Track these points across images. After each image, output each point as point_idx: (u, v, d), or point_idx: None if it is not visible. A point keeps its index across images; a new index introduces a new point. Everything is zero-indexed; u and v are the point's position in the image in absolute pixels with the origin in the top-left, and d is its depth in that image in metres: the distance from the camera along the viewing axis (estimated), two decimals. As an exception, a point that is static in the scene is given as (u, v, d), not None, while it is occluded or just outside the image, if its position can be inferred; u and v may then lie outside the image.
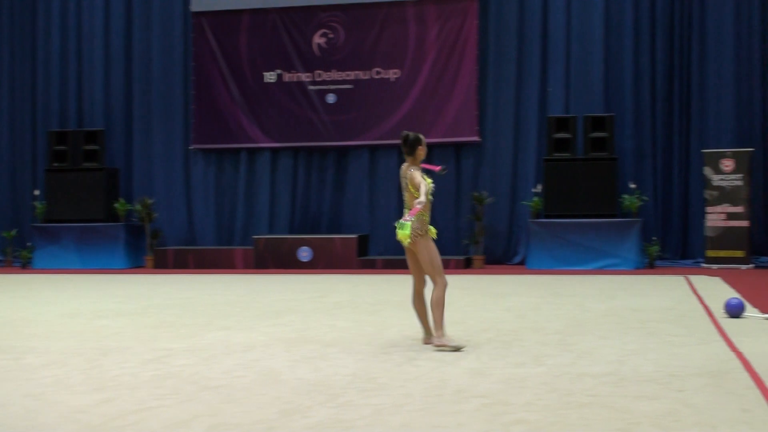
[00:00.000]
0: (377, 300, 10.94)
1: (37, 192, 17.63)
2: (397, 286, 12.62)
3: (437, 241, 7.38)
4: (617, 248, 14.98)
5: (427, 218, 7.29)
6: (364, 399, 5.39)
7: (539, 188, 15.75)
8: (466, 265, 15.60)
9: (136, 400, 5.43)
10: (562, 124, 15.53)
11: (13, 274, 15.87)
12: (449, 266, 15.42)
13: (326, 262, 15.87)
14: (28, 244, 17.26)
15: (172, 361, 6.77)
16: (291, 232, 17.09)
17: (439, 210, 16.68)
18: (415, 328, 8.43)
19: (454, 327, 8.43)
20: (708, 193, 15.12)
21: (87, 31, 17.93)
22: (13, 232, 17.40)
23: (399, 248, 16.63)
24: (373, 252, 16.68)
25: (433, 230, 7.36)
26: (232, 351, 7.19)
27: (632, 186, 15.41)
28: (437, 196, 16.57)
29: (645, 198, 15.40)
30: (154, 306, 10.55)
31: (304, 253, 15.80)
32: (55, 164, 17.10)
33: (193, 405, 5.30)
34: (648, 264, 15.14)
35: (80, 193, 16.92)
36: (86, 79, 17.93)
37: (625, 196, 15.25)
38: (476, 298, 11.05)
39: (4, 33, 18.18)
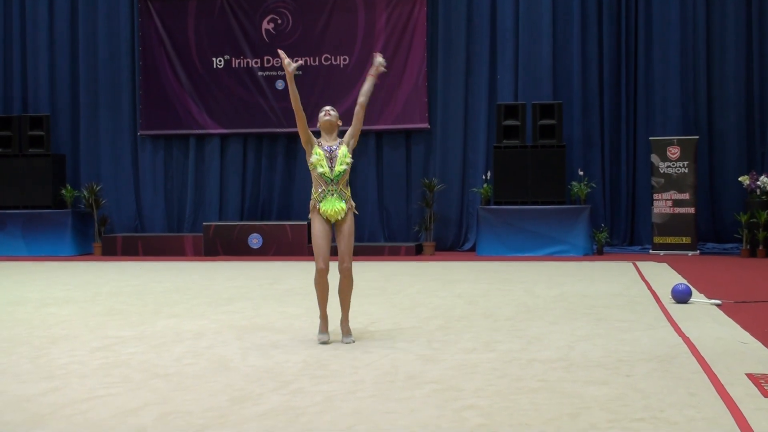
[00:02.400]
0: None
1: (-19, 178, 17.34)
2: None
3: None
4: (566, 235, 15.11)
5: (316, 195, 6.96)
6: (316, 386, 5.38)
7: (489, 175, 15.82)
8: (417, 252, 15.64)
9: (85, 389, 5.37)
10: (511, 111, 15.60)
11: (-43, 262, 15.62)
12: (400, 253, 15.46)
13: (277, 248, 15.82)
14: (-27, 231, 16.99)
15: (122, 349, 6.71)
16: (241, 219, 17.01)
17: (389, 197, 16.73)
18: (367, 315, 8.44)
19: (405, 313, 8.46)
20: (655, 180, 15.30)
21: (30, 15, 17.65)
22: (-43, 219, 17.12)
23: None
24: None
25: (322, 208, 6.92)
26: (182, 339, 7.14)
27: (580, 173, 15.55)
28: (387, 182, 16.67)
29: (593, 185, 15.54)
30: (102, 293, 10.45)
31: (255, 240, 15.74)
32: (0, 150, 16.83)
33: (143, 393, 5.26)
34: (596, 250, 15.29)
35: (26, 179, 16.68)
36: (31, 64, 17.66)
37: (574, 183, 15.38)
38: (427, 284, 11.08)
39: (-54, 16, 17.86)
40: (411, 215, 16.56)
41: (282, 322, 8.05)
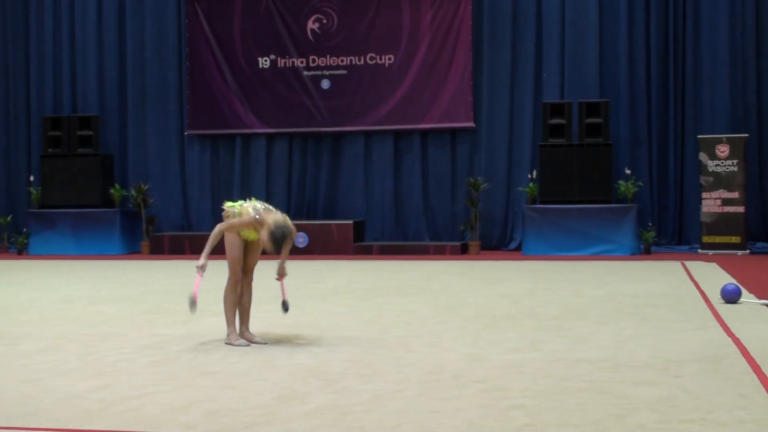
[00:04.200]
0: (373, 286, 10.94)
1: (32, 178, 17.58)
2: (393, 272, 12.64)
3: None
4: (613, 234, 15.00)
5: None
6: (362, 385, 5.39)
7: (534, 174, 15.75)
8: (462, 251, 15.60)
9: (133, 386, 5.43)
10: (557, 109, 15.51)
11: (9, 260, 15.84)
12: (445, 252, 15.44)
13: (322, 247, 15.86)
14: (24, 230, 17.23)
15: (169, 347, 6.78)
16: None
17: (434, 196, 16.71)
18: (412, 314, 8.44)
19: (450, 313, 8.45)
20: (703, 179, 15.13)
21: (80, 17, 17.84)
22: (9, 218, 17.37)
23: (395, 234, 16.72)
24: (369, 238, 16.68)
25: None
26: (229, 337, 7.18)
27: (627, 172, 15.42)
28: (432, 181, 16.64)
29: (640, 184, 15.40)
30: (150, 292, 10.55)
31: (300, 239, 15.78)
32: (50, 150, 17.05)
33: (191, 391, 5.30)
34: (644, 250, 15.15)
35: (75, 178, 16.88)
36: (80, 65, 17.86)
37: (621, 182, 15.25)
38: (472, 283, 11.06)
39: (-3, 18, 18.12)
40: (456, 214, 16.51)
41: (327, 320, 8.07)
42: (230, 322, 6.94)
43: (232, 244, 7.08)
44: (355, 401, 4.98)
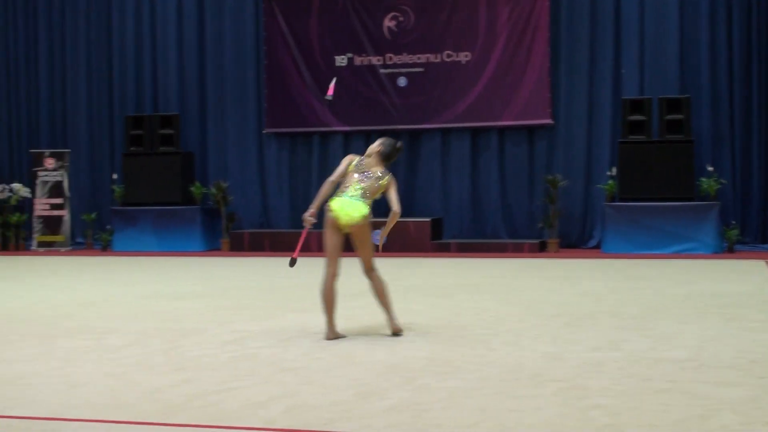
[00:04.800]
0: (451, 283, 10.94)
1: (115, 176, 17.93)
2: (471, 270, 12.62)
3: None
4: (695, 232, 14.75)
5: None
6: (441, 382, 5.40)
7: (614, 171, 15.57)
8: (541, 249, 15.49)
9: (215, 381, 5.51)
10: (637, 106, 15.31)
11: (94, 257, 16.19)
12: (523, 250, 15.35)
13: (400, 245, 15.88)
14: (108, 227, 17.58)
15: (250, 342, 6.86)
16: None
17: (512, 193, 16.61)
18: (491, 312, 8.42)
19: (529, 311, 8.40)
20: (788, 176, 14.81)
21: (161, 17, 18.13)
22: (93, 216, 17.74)
23: (473, 232, 16.66)
24: (447, 235, 16.65)
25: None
26: (309, 333, 7.26)
27: (710, 169, 15.15)
28: (509, 178, 16.56)
29: (723, 181, 15.12)
30: (231, 288, 10.69)
31: (378, 237, 15.81)
32: (132, 148, 17.37)
33: (271, 386, 5.36)
34: (727, 248, 14.87)
35: (157, 176, 17.17)
36: (161, 65, 18.14)
37: (703, 179, 14.99)
38: (551, 282, 10.99)
39: (80, 21, 18.47)
40: (534, 212, 16.39)
41: (405, 318, 8.09)
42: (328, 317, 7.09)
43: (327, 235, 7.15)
44: (434, 398, 4.99)
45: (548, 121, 16.27)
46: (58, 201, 17.94)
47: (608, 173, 15.69)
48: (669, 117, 15.06)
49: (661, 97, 15.25)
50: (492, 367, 5.82)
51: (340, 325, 7.37)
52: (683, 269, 12.24)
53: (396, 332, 7.11)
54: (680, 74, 15.69)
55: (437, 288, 10.47)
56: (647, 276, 11.42)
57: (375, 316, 8.13)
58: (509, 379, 5.44)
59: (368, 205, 7.10)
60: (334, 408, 4.81)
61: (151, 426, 4.54)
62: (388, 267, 13.03)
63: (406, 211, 16.82)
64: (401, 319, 7.96)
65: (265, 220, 17.74)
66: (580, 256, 14.71)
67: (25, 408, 4.90)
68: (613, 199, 15.36)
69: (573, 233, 16.30)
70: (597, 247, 15.82)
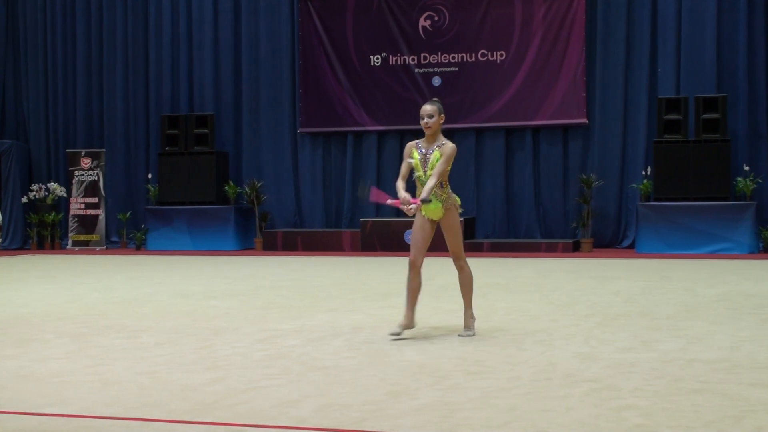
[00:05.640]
0: (483, 283, 10.89)
1: (150, 175, 18.06)
2: (504, 269, 12.58)
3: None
4: (730, 232, 14.61)
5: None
6: (471, 382, 5.38)
7: (649, 171, 15.46)
8: (575, 249, 15.42)
9: (246, 380, 5.53)
10: (673, 105, 15.20)
11: (128, 255, 16.31)
12: (557, 249, 15.28)
13: (433, 244, 15.80)
14: (142, 226, 17.71)
15: (281, 341, 6.88)
16: (398, 215, 17.13)
17: (546, 193, 16.54)
18: (523, 311, 8.39)
19: (561, 311, 8.36)
20: (826, 175, 14.63)
21: (197, 18, 18.22)
22: (128, 215, 17.88)
23: (506, 231, 16.61)
24: (480, 235, 16.62)
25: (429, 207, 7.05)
26: (340, 332, 7.26)
27: (746, 168, 14.99)
28: (544, 178, 16.49)
29: (759, 180, 14.97)
30: (263, 287, 10.73)
31: (410, 236, 15.80)
32: (168, 148, 17.48)
33: (302, 385, 5.37)
34: (763, 248, 14.72)
35: (192, 176, 17.27)
36: (196, 65, 18.24)
37: (739, 179, 14.85)
38: (584, 281, 10.93)
39: (117, 21, 18.62)
40: (568, 211, 16.33)
41: (437, 317, 8.09)
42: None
43: (415, 226, 7.17)
44: (465, 398, 4.97)
45: (583, 120, 16.19)
46: (94, 200, 18.10)
47: (643, 173, 15.58)
48: (705, 116, 14.95)
49: (697, 96, 15.14)
50: (524, 367, 5.80)
51: (367, 322, 7.39)
52: (718, 269, 12.12)
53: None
54: (717, 73, 15.55)
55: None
56: (681, 276, 11.32)
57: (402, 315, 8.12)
58: (541, 379, 5.42)
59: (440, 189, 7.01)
60: (365, 407, 4.81)
61: (183, 424, 4.55)
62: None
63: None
64: (432, 319, 7.95)
65: (299, 219, 17.79)
66: (613, 256, 14.63)
67: (59, 406, 4.95)
68: (647, 199, 15.25)
69: (607, 233, 16.21)
70: (631, 247, 15.72)
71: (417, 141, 7.10)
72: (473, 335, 6.97)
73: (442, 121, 7.05)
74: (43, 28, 19.01)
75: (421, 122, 7.04)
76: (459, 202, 7.19)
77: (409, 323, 7.00)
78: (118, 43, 18.60)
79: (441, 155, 6.92)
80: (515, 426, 4.42)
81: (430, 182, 6.88)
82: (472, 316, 7.15)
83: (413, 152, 7.01)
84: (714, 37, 15.57)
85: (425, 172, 6.94)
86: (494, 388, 5.21)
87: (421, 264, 7.08)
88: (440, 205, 6.97)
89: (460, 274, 7.18)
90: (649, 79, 15.98)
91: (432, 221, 7.06)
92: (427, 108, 7.03)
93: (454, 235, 7.09)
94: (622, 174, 16.14)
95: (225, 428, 4.47)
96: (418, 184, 7.03)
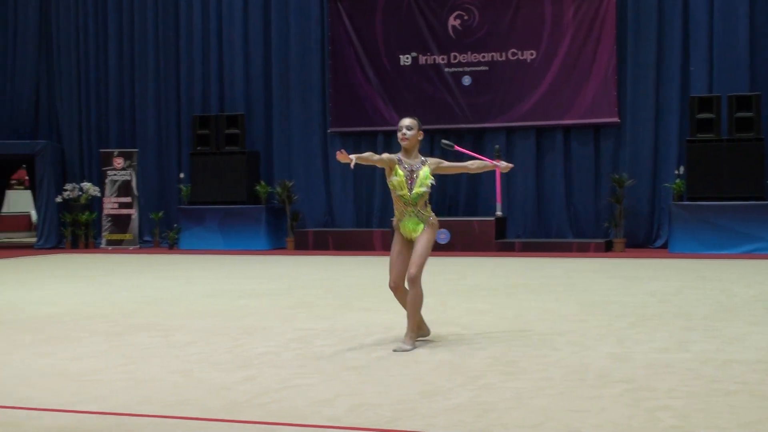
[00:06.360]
0: (515, 283, 10.87)
1: (182, 175, 18.15)
2: (535, 269, 12.53)
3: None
4: (765, 232, 14.46)
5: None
6: (504, 382, 5.37)
7: (681, 170, 15.35)
8: (607, 249, 15.33)
9: (279, 378, 5.54)
10: (706, 103, 15.07)
11: (161, 255, 16.41)
12: (589, 249, 15.20)
13: (464, 244, 15.84)
14: (175, 225, 17.81)
15: (314, 340, 6.89)
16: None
17: (577, 192, 16.46)
18: (555, 312, 8.35)
19: (594, 311, 8.32)
20: None
21: (227, 18, 18.29)
22: (161, 214, 17.98)
23: (537, 231, 16.54)
24: (511, 235, 16.57)
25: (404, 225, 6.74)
26: (372, 332, 7.26)
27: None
28: (575, 177, 16.40)
29: (794, 179, 14.83)
30: (295, 286, 10.75)
31: (442, 236, 15.78)
32: (199, 148, 17.56)
33: (335, 384, 5.37)
34: (797, 248, 14.58)
35: (223, 175, 17.34)
36: (227, 65, 18.30)
37: (773, 178, 14.72)
38: (618, 281, 10.86)
39: (149, 22, 18.73)
40: (600, 211, 16.24)
41: (469, 317, 8.06)
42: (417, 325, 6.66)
43: (393, 249, 6.74)
44: (497, 398, 4.95)
45: (615, 119, 16.10)
46: (127, 200, 18.22)
47: (675, 172, 15.47)
48: (738, 115, 14.82)
49: (730, 94, 15.01)
50: (556, 367, 5.77)
51: (399, 322, 7.37)
52: (753, 269, 12.01)
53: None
54: (750, 71, 15.42)
55: (501, 287, 10.42)
56: (716, 276, 11.23)
57: (436, 315, 8.11)
58: (574, 380, 5.39)
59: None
60: (397, 407, 4.80)
61: (216, 423, 4.57)
62: (452, 266, 13.04)
63: (470, 210, 16.85)
64: (465, 319, 7.94)
65: (330, 218, 17.81)
66: (646, 256, 14.53)
67: (93, 403, 4.98)
68: (680, 199, 15.14)
69: (639, 233, 16.11)
70: (664, 246, 15.62)
71: (397, 155, 6.73)
72: (411, 349, 6.45)
73: (420, 138, 6.81)
74: (76, 29, 19.16)
75: (399, 134, 6.75)
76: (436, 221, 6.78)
77: (424, 332, 6.80)
78: (149, 44, 18.71)
79: (429, 170, 6.72)
80: (548, 426, 4.40)
81: (479, 163, 7.16)
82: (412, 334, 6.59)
83: (397, 168, 6.64)
84: (747, 34, 15.42)
85: (411, 189, 6.63)
86: (527, 388, 5.19)
87: (403, 283, 6.70)
88: (422, 226, 6.64)
89: (409, 287, 6.62)
90: (682, 77, 15.86)
91: (410, 242, 6.69)
92: (406, 121, 6.79)
93: (421, 247, 6.57)
94: (655, 173, 16.03)
95: (259, 427, 4.48)
96: (399, 203, 6.71)
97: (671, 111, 15.94)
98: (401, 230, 6.73)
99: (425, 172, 6.70)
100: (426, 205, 6.74)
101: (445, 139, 6.99)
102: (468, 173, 7.01)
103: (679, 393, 5.01)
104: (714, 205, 14.76)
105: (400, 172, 6.67)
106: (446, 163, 7.02)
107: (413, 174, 6.69)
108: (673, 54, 15.91)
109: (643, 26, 16.06)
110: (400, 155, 6.76)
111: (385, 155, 6.70)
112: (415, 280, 6.55)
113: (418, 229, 6.66)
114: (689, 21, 15.85)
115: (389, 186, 6.72)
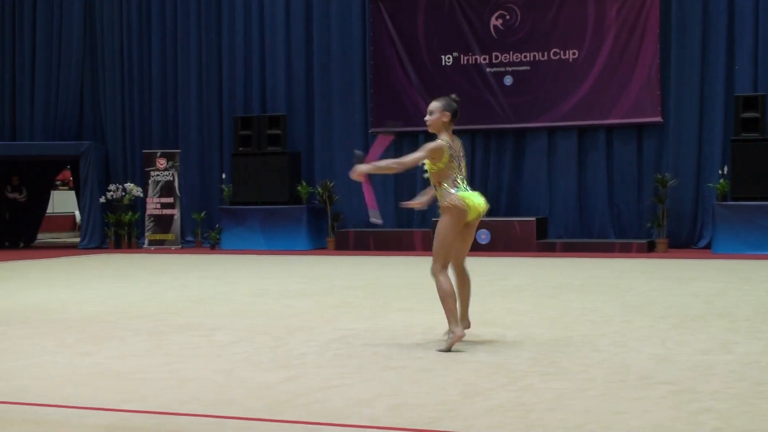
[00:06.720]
0: (557, 283, 10.82)
1: (224, 175, 18.27)
2: (577, 270, 12.47)
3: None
4: (811, 232, 14.30)
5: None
6: (545, 383, 5.35)
7: (726, 170, 15.19)
8: (650, 249, 15.22)
9: (320, 378, 5.56)
10: (751, 102, 14.91)
11: (203, 255, 16.52)
12: (632, 249, 15.09)
13: (505, 244, 15.80)
14: (217, 225, 17.93)
15: (354, 340, 6.90)
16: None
17: (620, 192, 16.35)
18: (598, 312, 8.31)
19: (637, 312, 8.26)
20: None
21: (269, 19, 18.38)
22: (203, 215, 18.10)
23: (579, 231, 16.45)
24: (552, 235, 16.49)
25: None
26: (413, 332, 7.27)
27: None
28: (617, 177, 16.29)
29: (841, 179, 14.62)
30: (336, 287, 10.78)
31: (483, 236, 15.76)
32: (241, 149, 17.66)
33: (376, 384, 5.38)
34: (844, 248, 14.38)
35: (264, 176, 17.42)
36: (269, 66, 18.39)
37: (819, 178, 14.52)
38: (660, 282, 10.78)
39: (191, 23, 18.87)
40: (642, 211, 16.12)
41: (510, 318, 8.04)
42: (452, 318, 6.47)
43: (449, 226, 6.51)
44: (539, 399, 4.94)
45: (658, 119, 15.97)
46: (169, 200, 18.38)
47: (720, 172, 15.33)
48: (784, 114, 14.65)
49: (775, 93, 14.83)
50: (598, 368, 5.74)
51: (440, 322, 7.37)
52: (799, 270, 11.87)
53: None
54: (796, 70, 15.22)
55: (543, 288, 10.38)
56: (760, 277, 11.11)
57: (478, 315, 8.10)
58: (616, 381, 5.36)
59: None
60: (438, 407, 4.80)
61: (258, 422, 4.60)
62: (493, 266, 13.01)
63: (511, 209, 16.79)
64: (507, 319, 7.92)
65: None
66: (689, 257, 14.41)
67: (138, 402, 5.03)
68: (724, 198, 14.99)
69: (683, 233, 15.98)
70: (707, 247, 15.47)
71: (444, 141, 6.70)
72: (447, 351, 6.36)
73: (445, 119, 6.70)
74: (120, 31, 19.34)
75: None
76: (465, 201, 6.54)
77: (463, 325, 6.61)
78: (191, 46, 18.85)
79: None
80: (590, 428, 4.38)
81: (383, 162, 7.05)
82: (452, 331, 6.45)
83: (445, 148, 6.69)
84: (793, 32, 15.24)
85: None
86: (568, 389, 5.17)
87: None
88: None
89: (462, 279, 6.63)
90: (726, 76, 15.70)
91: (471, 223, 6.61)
92: (431, 105, 6.73)
93: (435, 243, 6.55)
94: (698, 173, 15.88)
95: (300, 426, 4.50)
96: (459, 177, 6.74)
97: (715, 110, 15.78)
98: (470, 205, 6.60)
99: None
100: (442, 186, 6.62)
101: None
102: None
103: (722, 395, 4.96)
104: (758, 205, 14.60)
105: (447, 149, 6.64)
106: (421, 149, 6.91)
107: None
108: (718, 52, 15.76)
109: (687, 24, 15.91)
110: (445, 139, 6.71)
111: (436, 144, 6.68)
112: (433, 273, 6.58)
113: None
114: (734, 19, 15.68)
115: (440, 166, 6.72)
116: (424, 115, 6.83)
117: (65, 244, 20.70)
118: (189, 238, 18.66)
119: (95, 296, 10.15)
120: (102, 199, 18.51)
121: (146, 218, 18.45)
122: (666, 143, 16.07)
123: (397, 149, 17.60)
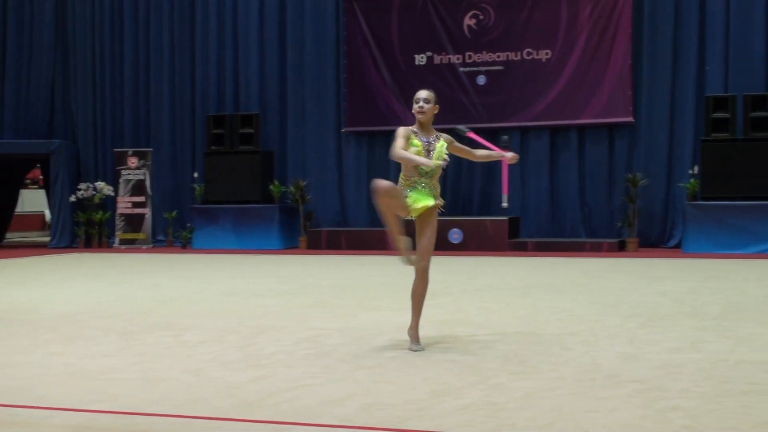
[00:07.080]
0: (528, 282, 10.86)
1: (196, 174, 18.20)
2: (549, 269, 12.51)
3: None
4: (779, 232, 14.42)
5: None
6: (515, 382, 5.36)
7: (696, 170, 15.30)
8: (620, 248, 15.30)
9: (290, 378, 5.55)
10: (721, 103, 15.02)
11: (174, 254, 16.45)
12: (602, 249, 15.17)
13: (477, 244, 15.83)
14: (188, 224, 17.86)
15: (326, 340, 6.90)
16: (441, 214, 17.02)
17: (591, 192, 16.43)
18: (568, 311, 8.34)
19: (607, 310, 8.30)
20: None
21: (242, 18, 18.33)
22: (174, 214, 18.03)
23: (550, 230, 16.51)
24: (525, 234, 16.55)
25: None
26: (384, 331, 7.27)
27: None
28: (589, 177, 16.36)
29: (810, 179, 14.75)
30: (308, 286, 10.76)
31: (455, 235, 15.80)
32: (213, 147, 17.60)
33: (347, 384, 5.38)
34: (812, 248, 14.52)
35: (237, 175, 17.37)
36: (242, 64, 18.34)
37: (788, 178, 14.65)
38: (630, 281, 10.84)
39: (164, 21, 18.78)
40: (613, 210, 16.21)
41: (481, 317, 8.06)
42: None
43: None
44: (508, 398, 4.95)
45: (629, 119, 16.06)
46: (140, 199, 18.28)
47: (690, 171, 15.43)
48: (754, 114, 14.77)
49: (746, 93, 14.95)
50: (568, 367, 5.77)
51: (398, 320, 7.38)
52: (767, 270, 11.96)
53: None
54: (766, 70, 15.35)
55: (514, 287, 10.41)
56: (729, 276, 11.19)
57: (449, 314, 8.12)
58: (585, 380, 5.38)
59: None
60: (408, 406, 4.81)
61: (228, 422, 4.58)
62: (465, 266, 13.04)
63: (483, 209, 16.83)
64: (478, 318, 7.93)
65: (343, 218, 17.83)
66: (660, 256, 14.50)
67: (107, 402, 5.00)
68: (695, 198, 15.10)
69: (653, 232, 16.08)
70: (677, 246, 15.58)
71: (411, 127, 6.65)
72: (423, 349, 6.38)
73: (436, 111, 6.73)
74: (92, 29, 19.22)
75: (415, 106, 6.70)
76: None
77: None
78: (164, 44, 18.76)
79: (446, 144, 6.66)
80: (559, 426, 4.39)
81: (485, 151, 6.97)
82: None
83: (413, 138, 6.53)
84: (763, 33, 15.37)
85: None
86: (538, 388, 5.19)
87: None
88: (433, 201, 6.66)
89: (417, 279, 6.62)
90: (697, 76, 15.81)
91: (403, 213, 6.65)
92: (423, 93, 6.71)
93: (431, 236, 6.67)
94: (669, 173, 15.99)
95: (270, 426, 4.49)
96: (415, 172, 6.58)
97: (686, 110, 15.89)
98: (409, 200, 6.58)
99: (442, 145, 6.64)
100: (439, 182, 6.69)
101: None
102: (474, 160, 6.90)
103: (690, 393, 5.00)
104: (728, 204, 14.71)
105: (416, 141, 6.56)
106: (458, 144, 6.90)
107: (430, 146, 6.61)
108: (689, 53, 15.86)
109: (659, 25, 16.01)
110: (414, 128, 6.67)
111: (401, 129, 6.61)
112: (424, 270, 6.63)
113: (426, 202, 6.55)
114: (705, 20, 15.79)
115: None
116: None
117: (34, 244, 20.54)
118: (160, 238, 18.57)
119: (66, 296, 10.09)
120: (72, 198, 18.38)
121: (117, 217, 18.35)
122: (637, 143, 16.17)
123: (370, 149, 17.65)
